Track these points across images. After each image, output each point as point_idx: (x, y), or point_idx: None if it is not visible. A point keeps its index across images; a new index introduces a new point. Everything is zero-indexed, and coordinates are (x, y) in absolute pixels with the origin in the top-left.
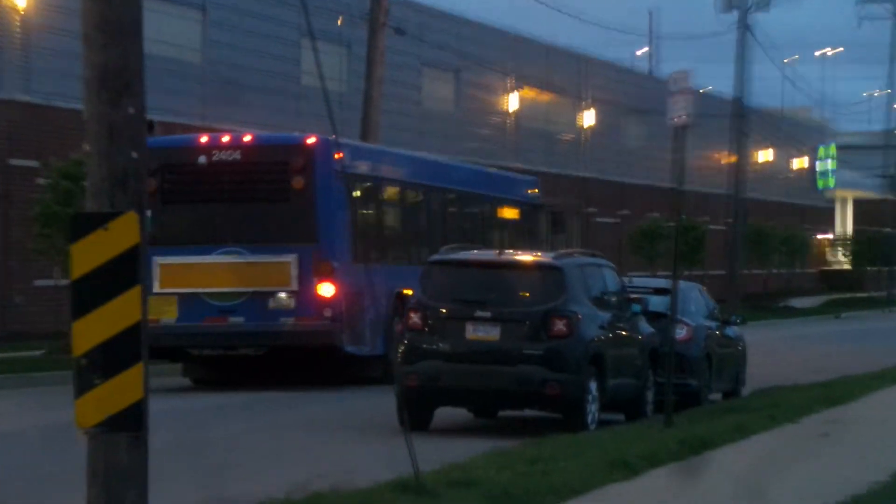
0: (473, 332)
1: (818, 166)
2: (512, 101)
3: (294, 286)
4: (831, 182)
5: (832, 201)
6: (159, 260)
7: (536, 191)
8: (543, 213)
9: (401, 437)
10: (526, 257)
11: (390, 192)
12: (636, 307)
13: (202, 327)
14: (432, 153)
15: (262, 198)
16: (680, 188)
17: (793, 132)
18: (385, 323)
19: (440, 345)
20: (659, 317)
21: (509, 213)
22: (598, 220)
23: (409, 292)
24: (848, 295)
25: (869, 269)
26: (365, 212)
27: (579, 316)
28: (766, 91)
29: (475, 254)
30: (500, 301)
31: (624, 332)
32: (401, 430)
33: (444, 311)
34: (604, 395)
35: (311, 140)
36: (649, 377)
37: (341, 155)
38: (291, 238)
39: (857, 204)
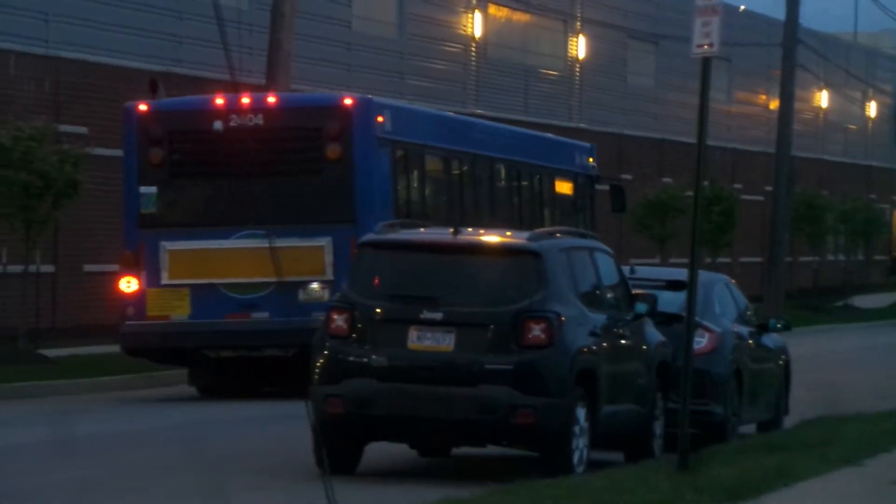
0: (419, 341)
1: None
2: (475, 24)
3: (329, 275)
4: None
5: None
6: (168, 245)
7: (592, 160)
8: (600, 185)
9: (318, 482)
10: (491, 238)
11: (437, 162)
12: (641, 306)
13: (220, 324)
14: (363, 93)
15: (289, 171)
16: (703, 143)
17: (867, 65)
18: None
19: (373, 357)
20: (672, 320)
21: (563, 186)
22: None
23: None
24: None
25: None
26: (408, 186)
27: (563, 318)
28: (831, 8)
29: (423, 233)
30: (456, 298)
31: (624, 341)
32: (318, 474)
33: (379, 311)
34: (595, 427)
35: (349, 101)
36: (658, 402)
37: (383, 118)
38: (325, 218)
39: None
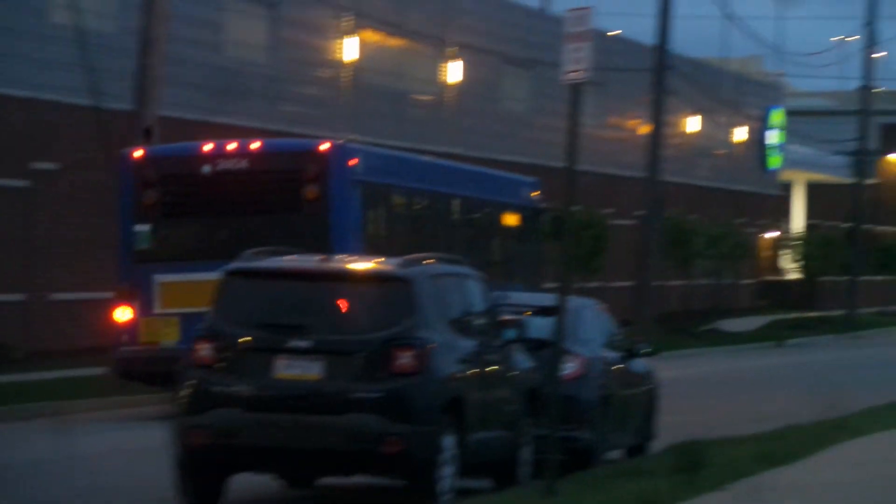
0: (286, 369)
1: (768, 138)
2: (349, 49)
3: None
4: (777, 161)
5: (789, 186)
6: (160, 278)
7: (538, 193)
8: (545, 217)
9: None
10: (360, 265)
11: (405, 201)
12: (510, 332)
13: None
14: (235, 118)
15: (271, 209)
16: (574, 168)
17: (735, 91)
18: None
19: (239, 386)
20: (542, 346)
21: (511, 219)
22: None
23: None
24: (796, 314)
25: (824, 279)
26: (379, 223)
27: (432, 345)
28: (701, 36)
29: (291, 260)
30: (323, 326)
31: (493, 367)
32: None
33: (245, 340)
34: (465, 454)
35: (325, 146)
36: (527, 428)
37: (356, 161)
38: (304, 252)
39: (812, 190)
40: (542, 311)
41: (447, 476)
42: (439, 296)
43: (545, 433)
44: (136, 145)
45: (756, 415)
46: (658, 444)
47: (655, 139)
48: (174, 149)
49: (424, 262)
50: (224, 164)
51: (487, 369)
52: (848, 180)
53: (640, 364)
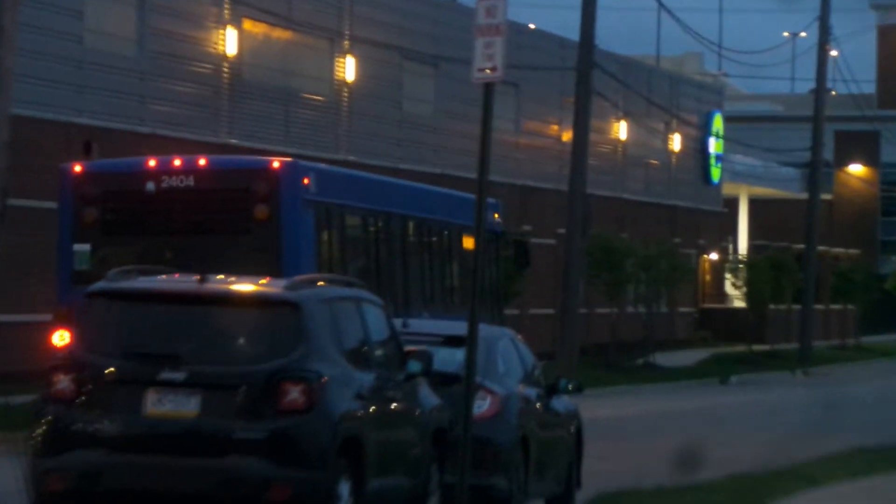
0: (158, 405)
1: (709, 146)
2: (229, 42)
3: None
4: (716, 173)
5: (733, 202)
6: None
7: (497, 216)
8: (504, 242)
9: None
10: (243, 287)
11: (359, 222)
12: (415, 365)
13: None
14: (100, 119)
15: (219, 230)
16: (485, 179)
17: (670, 93)
18: None
19: (104, 424)
20: (450, 380)
21: (469, 241)
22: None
23: None
24: (741, 348)
25: (773, 307)
26: (331, 243)
27: (324, 379)
28: (631, 30)
29: (163, 281)
30: (201, 356)
31: (395, 405)
32: None
33: (110, 371)
34: (361, 503)
35: (276, 164)
36: (433, 475)
37: (309, 180)
38: (253, 275)
39: (759, 207)
40: (451, 341)
41: None
42: (333, 322)
43: (454, 480)
44: (76, 159)
45: (700, 459)
46: (584, 495)
47: (580, 147)
48: (116, 164)
49: (316, 283)
50: (169, 182)
51: (388, 407)
52: (799, 195)
53: (563, 402)
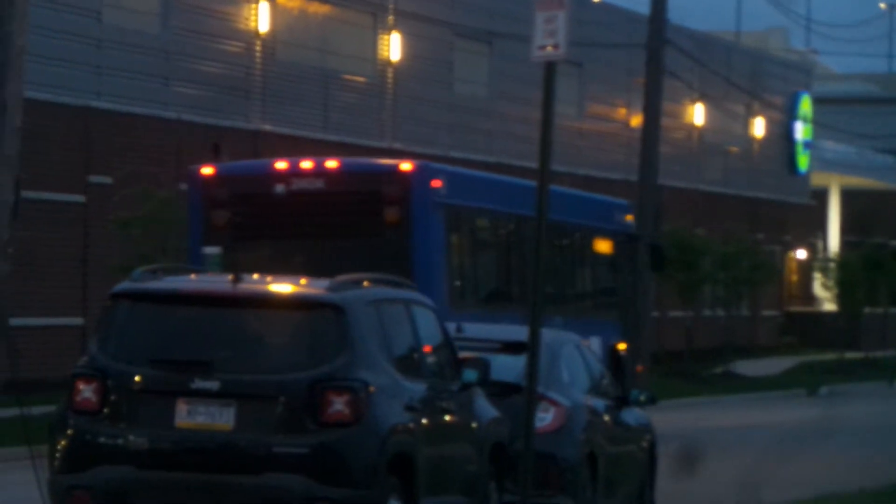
0: (189, 417)
1: (796, 132)
2: (261, 18)
3: None
4: (806, 161)
5: (822, 194)
6: None
7: (631, 217)
8: (640, 244)
9: None
10: (282, 287)
11: (490, 224)
12: (470, 374)
13: None
14: (119, 103)
15: (348, 233)
16: (548, 169)
17: (752, 72)
18: None
19: (131, 438)
20: (509, 391)
21: (603, 245)
22: None
23: None
24: (831, 355)
25: (867, 310)
26: (461, 246)
27: (372, 388)
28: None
29: (194, 281)
30: (237, 363)
31: (449, 417)
32: None
33: (138, 379)
34: None
35: (407, 167)
36: (492, 494)
37: (440, 183)
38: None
39: (852, 199)
40: (510, 347)
41: None
42: (381, 327)
43: (515, 500)
44: (205, 162)
45: (783, 481)
46: None
47: (650, 133)
48: (245, 167)
49: (361, 283)
50: (298, 184)
51: (442, 419)
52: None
53: (634, 415)
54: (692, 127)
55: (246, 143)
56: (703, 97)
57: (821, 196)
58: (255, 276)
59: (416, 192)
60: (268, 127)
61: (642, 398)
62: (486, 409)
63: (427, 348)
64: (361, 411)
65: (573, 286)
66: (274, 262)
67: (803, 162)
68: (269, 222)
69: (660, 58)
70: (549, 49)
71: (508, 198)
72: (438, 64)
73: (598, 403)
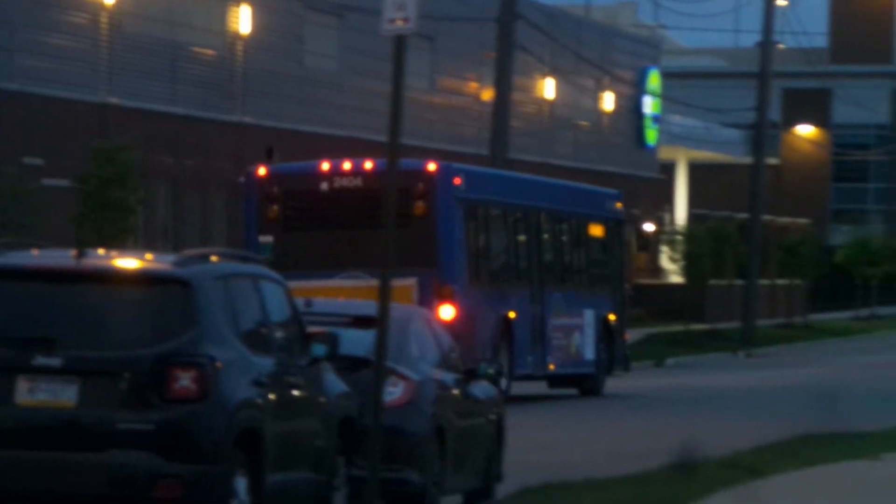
0: (31, 394)
1: (647, 105)
2: None
3: None
4: (651, 136)
5: (670, 167)
6: None
7: (620, 204)
8: (627, 228)
9: None
10: (126, 262)
11: (499, 215)
12: (319, 349)
13: None
14: None
15: (381, 224)
16: (396, 142)
17: (602, 47)
18: (493, 345)
19: None
20: (358, 365)
21: (596, 230)
22: None
23: (513, 315)
24: (678, 327)
25: (713, 283)
26: (477, 235)
27: (219, 364)
28: None
29: (35, 257)
30: (80, 339)
31: (297, 392)
32: None
33: None
34: (261, 501)
35: (433, 166)
36: (339, 468)
37: (460, 180)
38: (412, 262)
39: (699, 172)
40: (360, 321)
41: None
42: (229, 302)
43: (363, 474)
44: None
45: (632, 451)
46: (506, 488)
47: (501, 107)
48: (294, 167)
49: (208, 258)
50: (340, 182)
51: (290, 394)
52: (743, 160)
53: (483, 388)
54: (543, 101)
55: (92, 115)
56: (553, 71)
57: (669, 169)
58: (101, 251)
59: (439, 188)
60: (115, 100)
61: (491, 371)
62: (335, 383)
63: (275, 323)
64: (208, 387)
65: (571, 266)
66: (318, 250)
67: (652, 136)
68: (314, 215)
69: (511, 32)
70: (399, 23)
71: (515, 191)
72: (288, 37)
73: (447, 377)
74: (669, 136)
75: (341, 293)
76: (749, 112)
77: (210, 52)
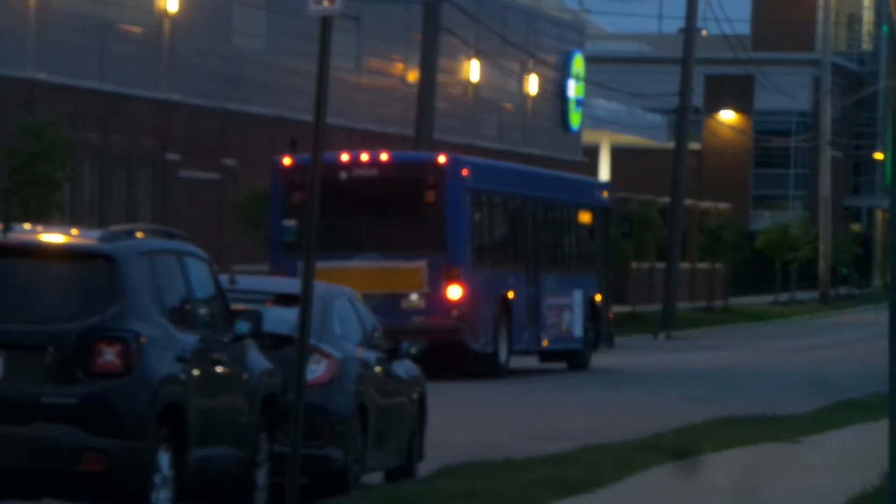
0: None
1: (571, 89)
2: None
3: (425, 289)
4: (575, 119)
5: (594, 151)
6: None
7: (607, 193)
8: (613, 216)
9: None
10: (52, 237)
11: (500, 203)
12: (243, 326)
13: None
14: None
15: (396, 210)
16: (322, 122)
17: (527, 31)
18: (494, 322)
19: None
20: (282, 343)
21: (585, 217)
22: (185, 174)
23: (511, 295)
24: None
25: (634, 265)
26: (481, 222)
27: (143, 339)
28: None
29: None
30: (6, 312)
31: (221, 369)
32: None
33: None
34: (183, 476)
35: (443, 159)
36: (262, 445)
37: (466, 172)
38: (422, 246)
39: (621, 156)
40: (283, 299)
41: (162, 502)
42: (153, 278)
43: (285, 451)
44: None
45: (551, 432)
46: (427, 466)
47: (427, 89)
48: None
49: (133, 234)
50: (357, 172)
51: (214, 371)
52: (666, 144)
53: (405, 367)
54: (468, 83)
55: (20, 91)
56: (478, 54)
57: (592, 153)
58: (27, 226)
59: (448, 178)
60: (42, 76)
61: (413, 350)
62: (259, 360)
63: (199, 300)
64: (132, 362)
65: (562, 250)
66: (337, 233)
67: (575, 119)
68: (335, 201)
69: (437, 14)
70: (326, 3)
71: (515, 182)
72: (216, 16)
73: (370, 356)
74: (593, 120)
75: (357, 273)
76: (672, 97)
77: (138, 29)
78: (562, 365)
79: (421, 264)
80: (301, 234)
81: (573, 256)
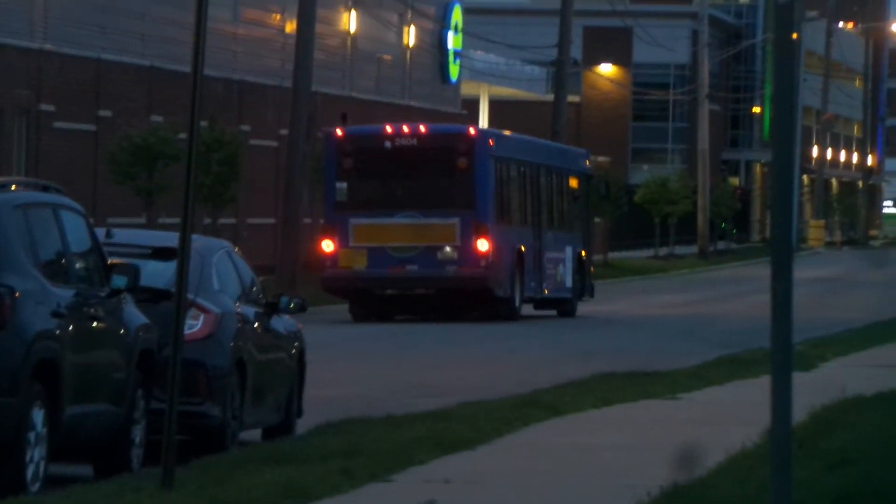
0: None
1: (450, 41)
2: None
3: (457, 242)
4: (454, 71)
5: (473, 104)
6: (353, 221)
7: (588, 162)
8: (595, 181)
9: None
10: None
11: (515, 169)
12: (119, 280)
13: (385, 273)
14: None
15: (432, 174)
16: (200, 73)
17: None
18: (511, 272)
19: None
20: (159, 297)
21: (574, 182)
22: (59, 125)
23: (523, 249)
24: None
25: None
26: (502, 185)
27: (17, 294)
28: None
29: None
30: None
31: (97, 324)
32: None
33: None
34: (57, 433)
35: (473, 131)
36: (139, 402)
37: (492, 142)
38: (455, 205)
39: (500, 108)
40: (160, 253)
41: (34, 460)
42: (27, 231)
43: (162, 408)
44: (337, 126)
45: (431, 388)
46: (306, 423)
47: (304, 39)
48: (365, 129)
49: (9, 188)
50: (400, 142)
51: (89, 326)
52: (545, 97)
53: (284, 322)
54: (346, 34)
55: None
56: (356, 5)
57: (471, 105)
58: None
59: (477, 147)
60: None
61: (292, 305)
62: (136, 315)
63: (75, 254)
64: (5, 317)
65: (559, 210)
66: (382, 194)
67: (454, 71)
68: (379, 167)
69: None
70: None
71: (528, 151)
72: None
73: (249, 311)
74: (472, 73)
75: (398, 229)
76: (551, 49)
77: None
78: (552, 312)
79: (454, 221)
80: (350, 195)
81: (566, 216)
